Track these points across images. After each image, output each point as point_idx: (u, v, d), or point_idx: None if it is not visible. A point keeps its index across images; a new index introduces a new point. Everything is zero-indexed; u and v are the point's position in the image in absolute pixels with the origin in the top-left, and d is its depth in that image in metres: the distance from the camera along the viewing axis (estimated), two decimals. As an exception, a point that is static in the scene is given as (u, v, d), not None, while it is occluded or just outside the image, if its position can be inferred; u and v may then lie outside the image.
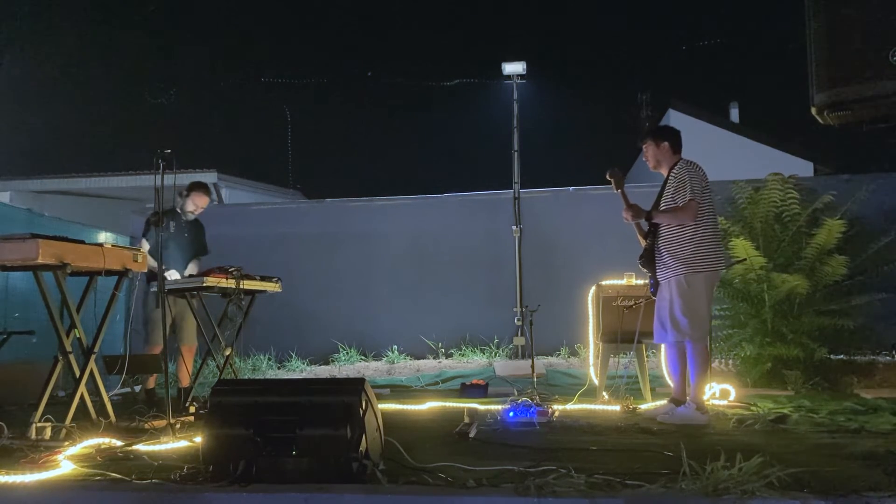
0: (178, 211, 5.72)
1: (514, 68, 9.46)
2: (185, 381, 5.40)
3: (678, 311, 4.40)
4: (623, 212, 4.61)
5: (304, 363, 8.49)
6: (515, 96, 9.64)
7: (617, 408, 4.94)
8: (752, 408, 4.87)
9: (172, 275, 5.29)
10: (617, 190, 4.71)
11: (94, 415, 4.15)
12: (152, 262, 5.37)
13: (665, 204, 4.54)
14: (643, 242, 4.68)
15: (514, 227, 8.86)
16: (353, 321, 8.81)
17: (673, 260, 4.45)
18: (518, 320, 8.65)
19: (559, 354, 8.13)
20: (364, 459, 2.74)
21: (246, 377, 7.26)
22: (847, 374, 6.23)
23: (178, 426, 3.94)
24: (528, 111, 9.89)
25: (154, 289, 4.74)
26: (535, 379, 5.78)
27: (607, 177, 4.77)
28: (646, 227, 4.65)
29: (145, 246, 5.45)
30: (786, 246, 6.60)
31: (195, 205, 5.72)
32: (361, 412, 2.80)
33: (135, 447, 3.50)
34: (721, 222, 6.26)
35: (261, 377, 7.79)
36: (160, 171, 4.08)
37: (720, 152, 12.56)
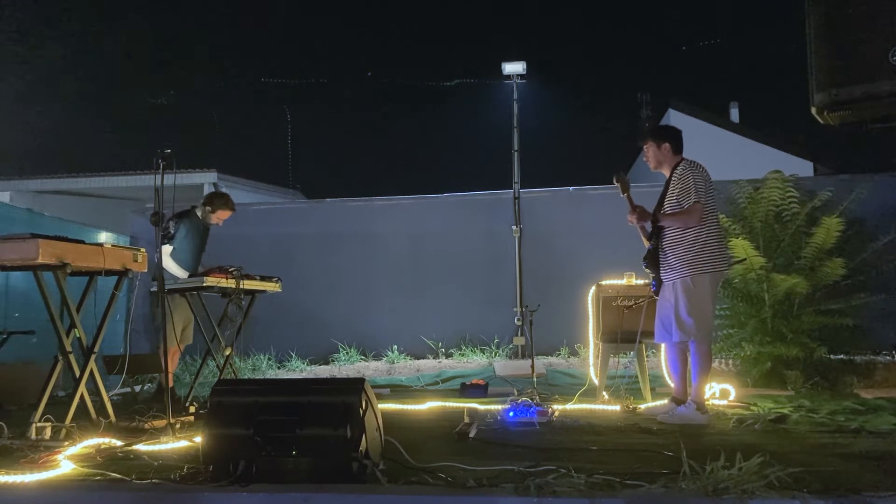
0: (199, 217, 5.77)
1: (514, 68, 9.47)
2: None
3: (684, 312, 4.39)
4: (628, 214, 4.61)
5: (304, 363, 8.49)
6: (515, 96, 9.64)
7: (617, 408, 4.94)
8: (752, 408, 4.87)
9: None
10: (623, 194, 4.71)
11: (94, 415, 4.15)
12: (176, 268, 5.45)
13: (669, 206, 4.52)
14: (647, 243, 4.68)
15: (513, 227, 8.87)
16: (353, 321, 8.81)
17: (678, 261, 4.45)
18: (518, 320, 8.65)
19: (559, 354, 8.13)
20: (364, 459, 2.74)
21: (246, 377, 7.25)
22: (847, 374, 6.23)
23: (178, 426, 3.94)
24: (528, 111, 9.92)
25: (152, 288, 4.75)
26: (535, 379, 5.78)
27: (614, 181, 4.78)
28: (649, 228, 4.65)
29: (168, 249, 5.51)
30: (785, 246, 6.61)
31: (220, 219, 5.86)
32: (361, 412, 2.80)
33: (135, 447, 3.49)
34: (721, 220, 6.26)
35: (261, 377, 7.79)
36: (160, 171, 4.08)
37: (720, 152, 12.56)
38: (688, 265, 4.41)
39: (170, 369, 5.33)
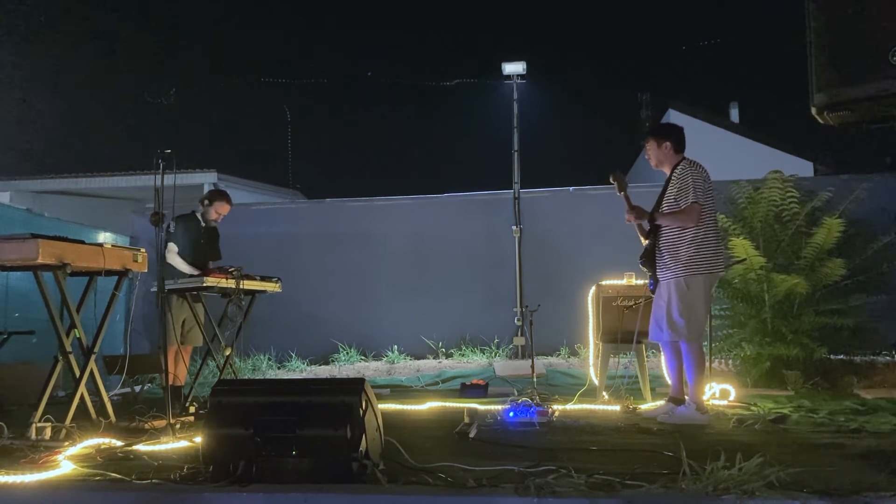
0: (199, 217, 5.78)
1: (514, 68, 9.47)
2: (182, 380, 5.46)
3: (676, 312, 4.40)
4: (625, 213, 4.61)
5: (304, 363, 8.49)
6: (515, 96, 9.64)
7: (617, 408, 4.94)
8: (752, 408, 4.87)
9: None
10: (620, 192, 4.70)
11: (94, 415, 4.15)
12: (182, 264, 5.46)
13: (667, 205, 4.52)
14: (644, 242, 4.68)
15: (514, 228, 8.86)
16: (353, 321, 8.81)
17: (673, 261, 4.45)
18: (518, 320, 8.65)
19: (559, 354, 8.13)
20: (364, 459, 2.74)
21: (246, 377, 7.26)
22: (847, 374, 6.23)
23: (178, 426, 3.94)
24: (528, 111, 9.91)
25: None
26: (535, 379, 5.77)
27: (610, 179, 4.77)
28: (647, 226, 4.65)
29: (174, 248, 5.57)
30: (785, 246, 6.60)
31: (217, 213, 5.86)
32: (361, 412, 2.81)
33: (135, 447, 3.50)
34: (721, 220, 6.27)
35: (261, 377, 7.79)
36: (160, 171, 4.08)
37: (720, 152, 12.57)
38: (683, 265, 4.40)
39: (182, 368, 5.39)
